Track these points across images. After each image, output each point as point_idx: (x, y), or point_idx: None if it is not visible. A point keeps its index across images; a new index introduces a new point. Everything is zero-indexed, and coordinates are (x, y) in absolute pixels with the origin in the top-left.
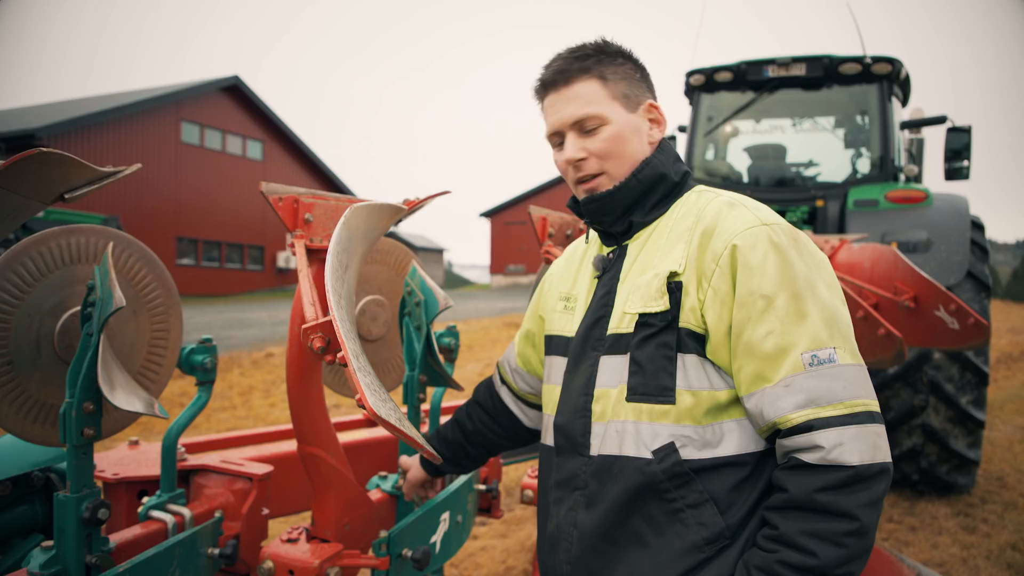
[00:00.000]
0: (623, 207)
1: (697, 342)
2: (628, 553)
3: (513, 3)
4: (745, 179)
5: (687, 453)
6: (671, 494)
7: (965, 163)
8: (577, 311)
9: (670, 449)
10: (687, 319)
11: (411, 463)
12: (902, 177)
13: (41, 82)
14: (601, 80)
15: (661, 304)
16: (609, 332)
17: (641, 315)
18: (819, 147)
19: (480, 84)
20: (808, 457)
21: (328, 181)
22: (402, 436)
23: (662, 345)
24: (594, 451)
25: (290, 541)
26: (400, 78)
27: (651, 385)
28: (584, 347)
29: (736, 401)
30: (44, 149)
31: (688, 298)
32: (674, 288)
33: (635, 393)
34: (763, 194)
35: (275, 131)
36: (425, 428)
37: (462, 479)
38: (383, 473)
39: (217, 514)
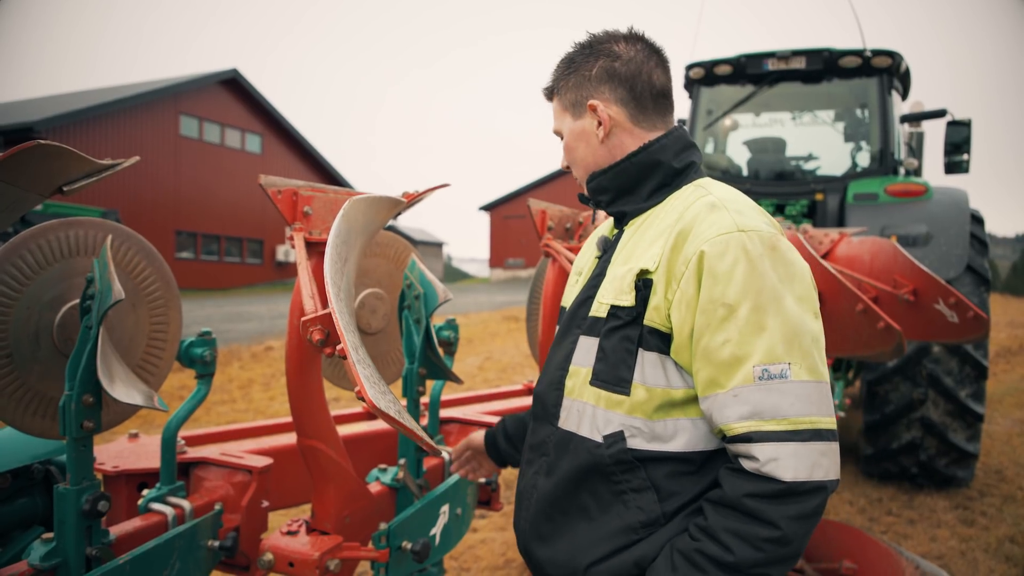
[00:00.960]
0: (616, 187)
1: (660, 340)
2: (574, 523)
3: (520, 5)
4: (744, 173)
5: (635, 443)
6: (617, 477)
7: (965, 157)
8: (578, 285)
9: (619, 437)
10: (651, 317)
11: (478, 434)
12: (902, 171)
13: (42, 77)
14: (557, 96)
15: (628, 300)
16: (590, 314)
17: (612, 307)
18: (819, 141)
19: (483, 83)
20: (746, 464)
21: (327, 174)
22: (402, 429)
23: (625, 338)
24: (560, 423)
25: (290, 533)
26: (404, 76)
27: (611, 374)
28: (571, 323)
29: (692, 400)
30: (42, 141)
31: (655, 297)
32: (642, 286)
33: (597, 378)
34: (762, 188)
35: (274, 125)
36: (424, 421)
37: None
38: (383, 466)
39: (217, 506)
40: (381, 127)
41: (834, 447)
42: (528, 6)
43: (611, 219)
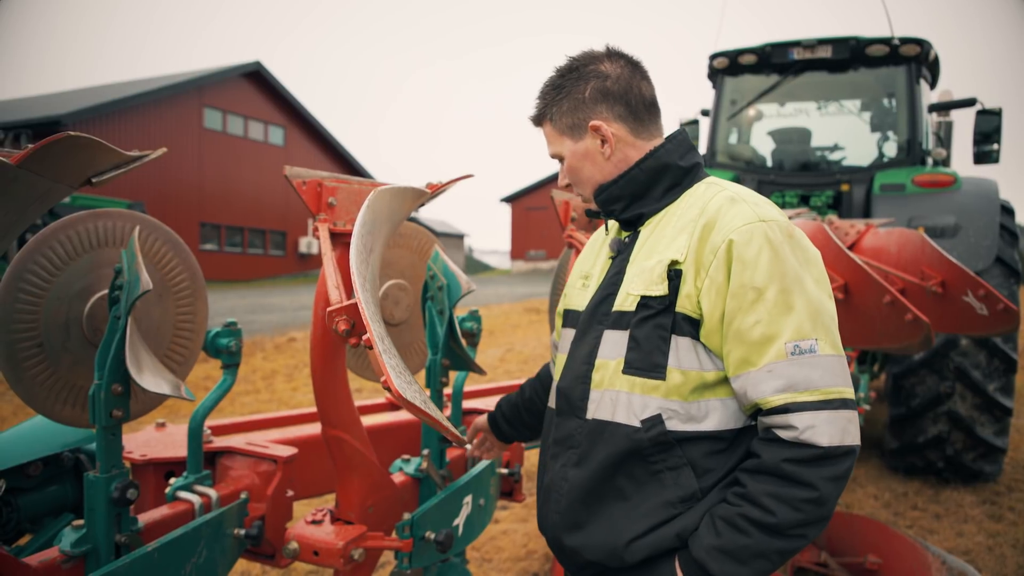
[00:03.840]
0: (629, 194)
1: (692, 326)
2: (610, 507)
3: (552, 9)
4: (769, 163)
5: (672, 425)
6: (654, 457)
7: (995, 146)
8: (590, 288)
9: (657, 420)
10: (683, 304)
11: (482, 417)
12: (930, 161)
13: (47, 71)
14: (550, 122)
15: (661, 289)
16: (614, 309)
17: (643, 297)
18: (845, 131)
19: (505, 79)
20: (783, 434)
21: (349, 167)
22: (427, 419)
23: (658, 326)
24: (589, 415)
25: (315, 523)
26: (420, 68)
27: (646, 361)
28: (591, 320)
29: (723, 382)
30: (72, 133)
31: (686, 285)
32: (673, 276)
33: (631, 367)
34: (787, 178)
35: (297, 117)
36: (447, 412)
37: (483, 463)
38: (406, 456)
39: (243, 495)
40: (396, 119)
41: (856, 415)
42: (559, 12)
43: (616, 226)
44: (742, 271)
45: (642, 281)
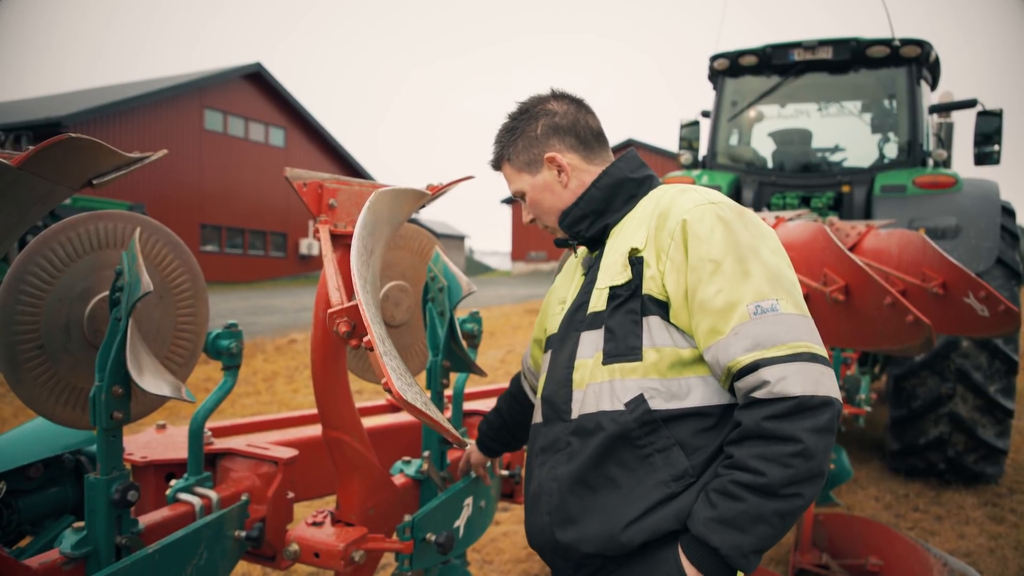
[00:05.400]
0: (592, 211)
1: (660, 307)
2: (603, 497)
3: (554, 9)
4: (770, 165)
5: (655, 404)
6: (642, 440)
7: (996, 148)
8: (563, 312)
9: (640, 400)
10: (649, 287)
11: (472, 447)
12: (930, 162)
13: (47, 72)
14: (508, 162)
15: (625, 276)
16: (589, 312)
17: (611, 288)
18: (846, 132)
19: (507, 79)
20: (759, 393)
21: (350, 168)
22: (428, 420)
23: (629, 311)
24: (574, 415)
25: (315, 524)
26: (420, 67)
27: (621, 346)
28: (568, 329)
29: (700, 360)
30: (73, 135)
31: (649, 269)
32: (635, 262)
33: (609, 356)
34: (788, 180)
35: (297, 118)
36: (448, 414)
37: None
38: (407, 458)
39: (243, 497)
40: (395, 120)
41: (831, 372)
42: (559, 11)
43: (583, 248)
44: (698, 245)
45: (608, 276)
